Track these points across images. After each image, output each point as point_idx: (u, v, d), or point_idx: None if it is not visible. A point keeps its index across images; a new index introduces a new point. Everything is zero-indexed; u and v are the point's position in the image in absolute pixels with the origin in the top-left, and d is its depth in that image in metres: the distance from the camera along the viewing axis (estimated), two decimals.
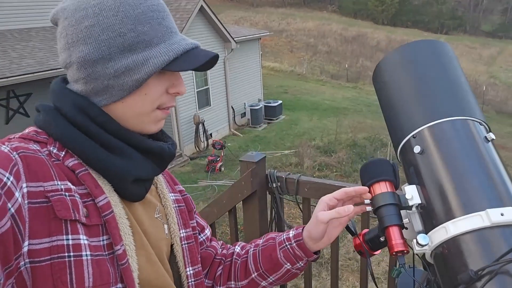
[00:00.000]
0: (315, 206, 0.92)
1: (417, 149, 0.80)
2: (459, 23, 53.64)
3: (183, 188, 1.00)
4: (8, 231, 0.58)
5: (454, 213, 0.70)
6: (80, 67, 0.72)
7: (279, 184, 2.06)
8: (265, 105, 15.40)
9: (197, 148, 12.42)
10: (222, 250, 1.06)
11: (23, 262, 0.61)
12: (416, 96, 0.86)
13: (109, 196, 0.72)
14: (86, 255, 0.66)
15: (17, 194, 0.60)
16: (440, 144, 0.78)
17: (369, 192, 0.84)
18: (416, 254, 0.79)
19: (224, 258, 1.04)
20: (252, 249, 1.00)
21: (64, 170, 0.70)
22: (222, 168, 10.76)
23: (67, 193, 0.67)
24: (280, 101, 15.92)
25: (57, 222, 0.64)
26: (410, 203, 0.77)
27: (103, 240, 0.70)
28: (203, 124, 12.40)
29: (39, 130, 0.73)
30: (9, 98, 8.67)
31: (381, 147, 12.37)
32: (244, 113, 15.18)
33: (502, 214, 0.65)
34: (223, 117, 14.16)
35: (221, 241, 1.09)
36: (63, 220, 0.65)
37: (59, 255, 0.64)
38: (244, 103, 15.17)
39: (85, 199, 0.70)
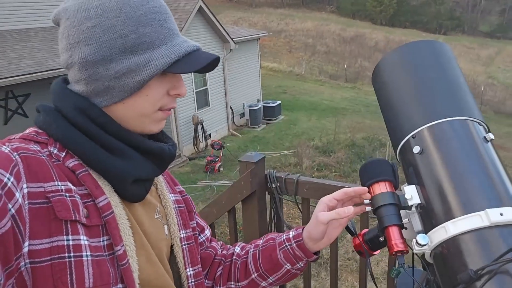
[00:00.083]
0: (314, 206, 0.92)
1: (416, 149, 0.80)
2: (457, 24, 53.74)
3: (183, 189, 1.00)
4: (9, 231, 0.58)
5: (453, 213, 0.70)
6: (81, 68, 0.72)
7: (278, 184, 2.07)
8: (264, 106, 15.40)
9: (196, 148, 12.42)
10: (222, 251, 1.06)
11: (23, 263, 0.61)
12: (415, 97, 0.86)
13: (110, 196, 0.72)
14: (87, 255, 0.66)
15: (17, 194, 0.60)
16: (440, 144, 0.78)
17: (369, 192, 0.84)
18: (416, 254, 0.80)
19: (224, 259, 1.04)
20: (252, 250, 1.01)
21: (65, 170, 0.70)
22: (221, 169, 10.75)
23: (67, 194, 0.67)
24: (279, 102, 15.93)
25: (57, 222, 0.64)
26: (410, 203, 0.78)
27: (103, 241, 0.70)
28: (202, 124, 12.40)
29: (40, 131, 0.73)
30: (8, 98, 8.65)
31: (379, 147, 12.38)
32: (243, 113, 15.18)
33: (501, 214, 0.65)
34: (222, 117, 14.16)
35: (221, 242, 1.09)
36: (63, 221, 0.65)
37: (59, 255, 0.64)
38: (243, 104, 15.17)
39: (86, 200, 0.70)
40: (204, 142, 12.49)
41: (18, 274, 0.61)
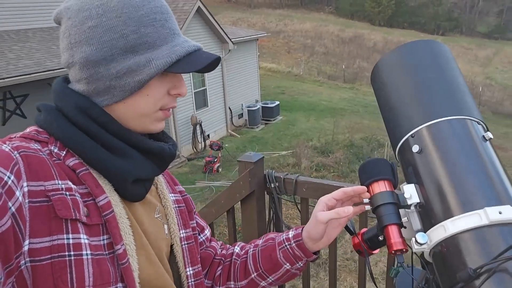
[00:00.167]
0: (313, 206, 0.92)
1: (415, 148, 0.80)
2: (455, 25, 53.85)
3: (183, 189, 1.01)
4: (9, 230, 0.58)
5: (452, 211, 0.70)
6: (82, 67, 0.72)
7: (277, 184, 2.07)
8: (262, 106, 15.40)
9: (194, 149, 12.41)
10: (221, 251, 1.06)
11: (23, 261, 0.61)
12: (414, 96, 0.86)
13: (110, 195, 0.73)
14: (87, 254, 0.66)
15: (17, 193, 0.60)
16: (438, 143, 0.78)
17: (368, 191, 0.84)
18: (415, 253, 0.80)
19: (223, 258, 1.04)
20: (251, 250, 1.01)
21: (65, 169, 0.70)
22: (220, 169, 10.75)
23: (67, 193, 0.67)
24: (277, 102, 15.94)
25: (57, 221, 0.64)
26: (409, 202, 0.78)
27: (103, 240, 0.70)
28: (200, 125, 12.39)
29: (40, 130, 0.73)
30: (6, 99, 8.64)
31: (378, 148, 12.39)
32: (242, 114, 15.18)
33: (500, 213, 0.66)
34: (221, 118, 14.16)
35: (221, 242, 1.09)
36: (63, 219, 0.65)
37: (59, 254, 0.64)
38: (242, 104, 15.17)
39: (86, 199, 0.70)
40: (203, 143, 12.48)
41: (18, 273, 0.61)
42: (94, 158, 0.72)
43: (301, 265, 0.95)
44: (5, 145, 0.65)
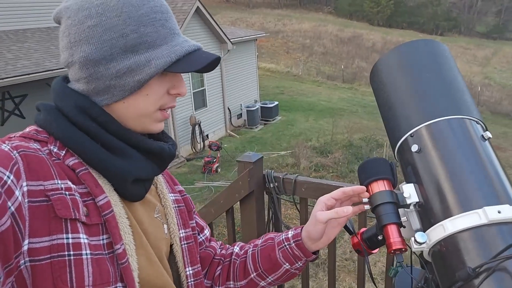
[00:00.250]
0: (312, 206, 0.92)
1: (414, 148, 0.80)
2: (454, 25, 53.95)
3: (183, 189, 1.01)
4: (8, 229, 0.58)
5: (451, 211, 0.70)
6: (82, 67, 0.72)
7: (276, 184, 2.07)
8: (261, 106, 15.40)
9: (193, 149, 12.41)
10: (221, 250, 1.06)
11: (23, 261, 0.61)
12: (413, 96, 0.86)
13: (109, 195, 0.73)
14: (86, 254, 0.66)
15: (17, 192, 0.60)
16: (438, 142, 0.78)
17: (367, 190, 0.84)
18: (414, 253, 0.80)
19: (223, 258, 1.04)
20: (251, 249, 1.01)
21: (65, 169, 0.70)
22: (219, 169, 10.75)
23: (67, 192, 0.67)
24: (276, 102, 15.94)
25: (57, 221, 0.64)
26: (408, 202, 0.78)
27: (103, 239, 0.70)
28: (199, 125, 12.39)
29: (40, 129, 0.73)
30: (4, 99, 8.63)
31: (377, 148, 12.40)
32: (241, 114, 15.18)
33: (499, 212, 0.66)
34: (220, 118, 14.15)
35: (220, 242, 1.09)
36: (63, 219, 0.65)
37: (59, 253, 0.64)
38: (241, 104, 15.17)
39: (85, 198, 0.70)
40: (202, 143, 12.48)
41: (17, 272, 0.61)
42: (94, 158, 0.72)
43: (301, 265, 0.95)
44: (4, 144, 0.65)
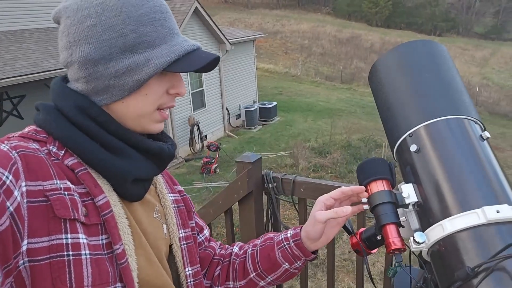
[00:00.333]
0: (311, 206, 0.92)
1: (413, 147, 0.80)
2: (452, 25, 54.07)
3: (182, 189, 1.00)
4: (7, 229, 0.58)
5: (450, 211, 0.71)
6: (81, 66, 0.72)
7: (275, 184, 2.07)
8: (260, 107, 15.40)
9: (192, 149, 12.40)
10: (220, 251, 1.06)
11: (22, 261, 0.61)
12: (412, 96, 0.87)
13: (108, 195, 0.72)
14: (85, 254, 0.66)
15: (16, 193, 0.60)
16: (436, 142, 0.78)
17: (366, 190, 0.84)
18: (413, 253, 0.80)
19: (222, 258, 1.04)
20: (250, 249, 1.01)
21: (64, 169, 0.70)
22: (217, 170, 10.74)
23: (66, 192, 0.67)
24: (275, 103, 15.94)
25: (56, 221, 0.64)
26: (407, 201, 0.78)
27: (102, 240, 0.70)
28: (198, 125, 12.38)
29: (39, 129, 0.73)
30: (3, 100, 8.61)
31: (375, 148, 12.41)
32: (239, 114, 15.18)
33: (497, 212, 0.66)
34: (218, 118, 14.15)
35: (219, 242, 1.09)
36: (62, 219, 0.65)
37: (58, 254, 0.64)
38: (239, 105, 15.17)
39: (84, 198, 0.70)
40: (200, 144, 12.47)
41: (16, 273, 0.61)
42: (93, 158, 0.72)
43: (300, 264, 0.95)
44: (3, 144, 0.65)
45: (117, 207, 0.73)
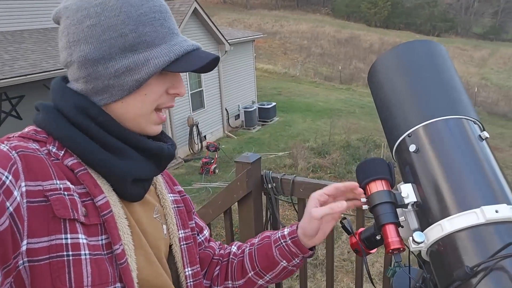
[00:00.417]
0: None
1: (412, 147, 0.81)
2: (450, 26, 54.14)
3: (182, 189, 1.01)
4: (7, 230, 0.58)
5: (449, 210, 0.71)
6: (80, 66, 0.72)
7: (274, 184, 2.07)
8: (259, 107, 15.41)
9: (191, 150, 12.39)
10: (219, 250, 1.06)
11: (21, 261, 0.61)
12: (411, 96, 0.87)
13: (108, 195, 0.72)
14: (85, 254, 0.66)
15: (15, 193, 0.60)
16: (435, 142, 0.79)
17: (365, 190, 0.84)
18: (412, 252, 0.80)
19: (221, 258, 1.04)
20: (248, 248, 1.01)
21: (63, 169, 0.70)
22: (216, 170, 10.74)
23: (66, 192, 0.67)
24: (274, 103, 15.95)
25: (56, 221, 0.64)
26: (406, 201, 0.78)
27: (101, 240, 0.70)
28: (197, 126, 12.38)
29: (39, 129, 0.73)
30: (1, 100, 8.59)
31: (374, 149, 12.42)
32: (238, 115, 15.18)
33: (496, 211, 0.66)
34: (217, 119, 14.15)
35: (219, 242, 1.09)
36: (61, 219, 0.65)
37: (57, 254, 0.64)
38: (238, 105, 15.18)
39: (84, 199, 0.70)
40: (199, 144, 12.47)
41: (16, 273, 0.61)
42: (93, 158, 0.72)
43: (298, 261, 0.95)
44: (3, 144, 0.65)
45: (117, 207, 0.73)
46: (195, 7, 11.96)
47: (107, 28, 0.70)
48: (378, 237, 0.84)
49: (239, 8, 50.36)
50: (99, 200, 0.71)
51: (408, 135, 0.82)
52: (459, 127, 0.79)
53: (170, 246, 0.89)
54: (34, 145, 0.69)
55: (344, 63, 32.33)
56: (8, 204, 0.59)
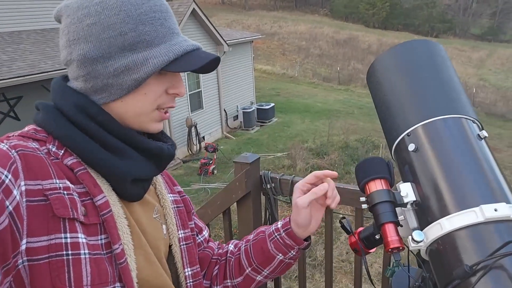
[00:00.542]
0: None
1: (411, 147, 0.81)
2: (449, 27, 54.27)
3: (182, 189, 1.01)
4: (6, 229, 0.58)
5: (448, 209, 0.71)
6: (80, 65, 0.72)
7: (273, 185, 2.07)
8: (257, 108, 15.41)
9: (189, 151, 12.39)
10: (218, 250, 1.06)
11: (21, 260, 0.61)
12: (410, 95, 0.87)
13: (108, 195, 0.72)
14: (84, 253, 0.66)
15: (15, 192, 0.60)
16: (434, 141, 0.79)
17: (365, 190, 0.84)
18: (411, 251, 0.80)
19: (219, 258, 1.04)
20: (243, 245, 1.01)
21: (63, 168, 0.70)
22: (215, 171, 10.73)
23: (65, 192, 0.67)
24: (272, 104, 15.95)
25: (55, 220, 0.64)
26: (405, 200, 0.78)
27: (101, 239, 0.70)
28: (195, 127, 12.38)
29: (38, 128, 0.73)
30: None
31: (373, 149, 12.43)
32: (237, 115, 15.18)
33: (495, 210, 0.66)
34: (216, 120, 14.15)
35: (218, 242, 1.09)
36: (61, 219, 0.65)
37: (57, 253, 0.63)
38: (237, 106, 15.18)
39: (84, 198, 0.70)
40: (198, 145, 12.47)
41: (15, 272, 0.61)
42: (93, 157, 0.72)
43: (294, 254, 0.95)
44: (2, 143, 0.65)
45: (116, 207, 0.73)
46: (194, 8, 11.95)
47: (106, 27, 0.70)
48: (377, 236, 0.84)
49: (237, 9, 50.40)
50: (99, 200, 0.71)
51: (407, 135, 0.83)
52: (458, 126, 0.79)
53: (170, 246, 0.89)
54: (34, 144, 0.69)
55: (342, 64, 32.36)
56: (7, 203, 0.58)
